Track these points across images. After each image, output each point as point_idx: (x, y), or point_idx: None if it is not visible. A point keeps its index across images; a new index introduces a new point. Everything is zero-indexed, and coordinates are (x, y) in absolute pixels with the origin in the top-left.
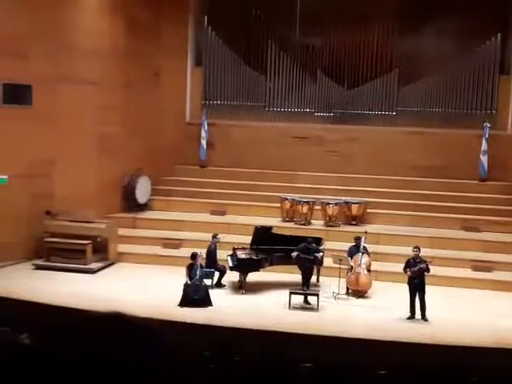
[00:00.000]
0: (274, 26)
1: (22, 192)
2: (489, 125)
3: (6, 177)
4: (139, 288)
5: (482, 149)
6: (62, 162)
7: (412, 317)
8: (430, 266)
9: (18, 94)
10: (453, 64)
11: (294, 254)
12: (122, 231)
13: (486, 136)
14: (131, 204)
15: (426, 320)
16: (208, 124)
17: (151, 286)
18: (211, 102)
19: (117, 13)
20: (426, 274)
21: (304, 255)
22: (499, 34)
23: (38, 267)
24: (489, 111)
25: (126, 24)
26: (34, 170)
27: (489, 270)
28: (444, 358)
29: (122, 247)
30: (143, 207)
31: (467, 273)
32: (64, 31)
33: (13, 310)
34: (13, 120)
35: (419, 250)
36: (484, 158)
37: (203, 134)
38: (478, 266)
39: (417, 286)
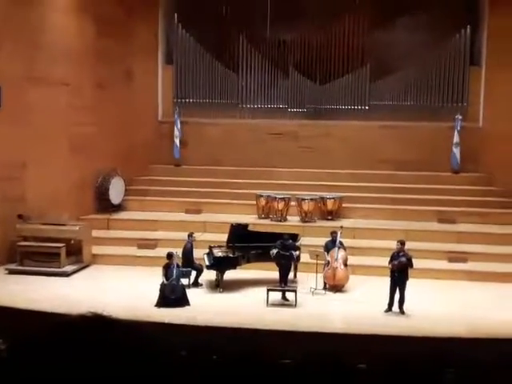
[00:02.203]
0: (244, 23)
1: None
2: (460, 117)
3: None
4: (115, 290)
5: (454, 141)
6: (34, 164)
7: (389, 309)
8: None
9: None
10: (424, 57)
11: (274, 251)
12: (96, 233)
13: (458, 128)
14: (105, 205)
15: (402, 313)
16: (181, 122)
17: (127, 287)
18: (183, 100)
19: (86, 12)
20: (409, 268)
21: (281, 252)
22: (468, 25)
23: (12, 272)
24: (460, 103)
25: (95, 23)
26: (4, 173)
27: (464, 260)
28: (421, 349)
29: (97, 249)
30: (117, 208)
31: (443, 264)
32: (33, 31)
33: None
34: None
35: (403, 244)
36: (456, 150)
37: (176, 132)
38: (454, 257)
39: (397, 280)
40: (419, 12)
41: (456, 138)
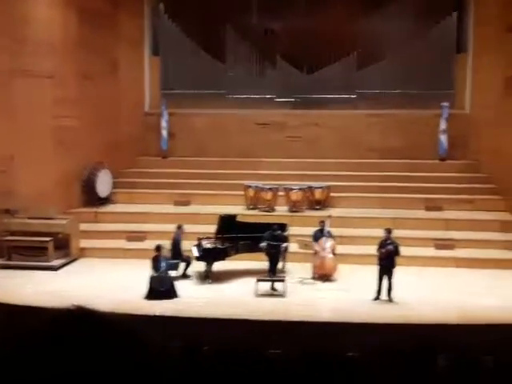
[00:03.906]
0: (231, 12)
1: None
2: (447, 104)
3: None
4: (104, 283)
5: (441, 128)
6: (20, 158)
7: (377, 298)
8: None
9: None
10: (410, 45)
11: (264, 244)
12: (84, 226)
13: (445, 115)
14: (92, 198)
15: (391, 300)
16: (168, 113)
17: (116, 280)
18: (170, 91)
19: (70, 3)
20: (396, 256)
21: (270, 242)
22: (455, 12)
23: None
24: (447, 90)
25: (79, 15)
26: None
27: (451, 247)
28: (411, 337)
29: (85, 242)
30: (105, 201)
31: (430, 251)
32: (16, 24)
33: None
34: None
35: (390, 232)
36: (443, 138)
37: (163, 123)
38: (441, 244)
39: (385, 268)
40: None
41: (443, 125)
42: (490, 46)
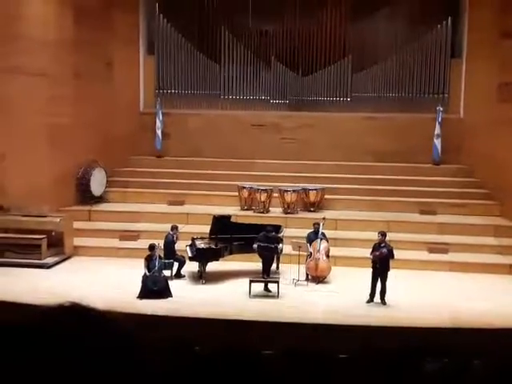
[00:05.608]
0: (227, 13)
1: None
2: (441, 108)
3: None
4: (97, 281)
5: (436, 132)
6: (13, 155)
7: (371, 300)
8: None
9: None
10: (405, 49)
11: (255, 246)
12: (77, 224)
13: (439, 120)
14: (86, 196)
15: (384, 303)
16: (163, 113)
17: (109, 278)
18: (165, 91)
19: (64, 1)
20: (390, 259)
21: (264, 243)
22: (450, 17)
23: None
24: (441, 95)
25: (74, 13)
26: None
27: (445, 251)
28: (403, 340)
29: (78, 241)
30: (99, 199)
31: (424, 255)
32: (10, 21)
33: None
34: None
35: (384, 235)
36: (437, 142)
37: (158, 123)
38: (434, 248)
39: (379, 271)
40: (401, 3)
41: (437, 130)
42: (485, 52)
